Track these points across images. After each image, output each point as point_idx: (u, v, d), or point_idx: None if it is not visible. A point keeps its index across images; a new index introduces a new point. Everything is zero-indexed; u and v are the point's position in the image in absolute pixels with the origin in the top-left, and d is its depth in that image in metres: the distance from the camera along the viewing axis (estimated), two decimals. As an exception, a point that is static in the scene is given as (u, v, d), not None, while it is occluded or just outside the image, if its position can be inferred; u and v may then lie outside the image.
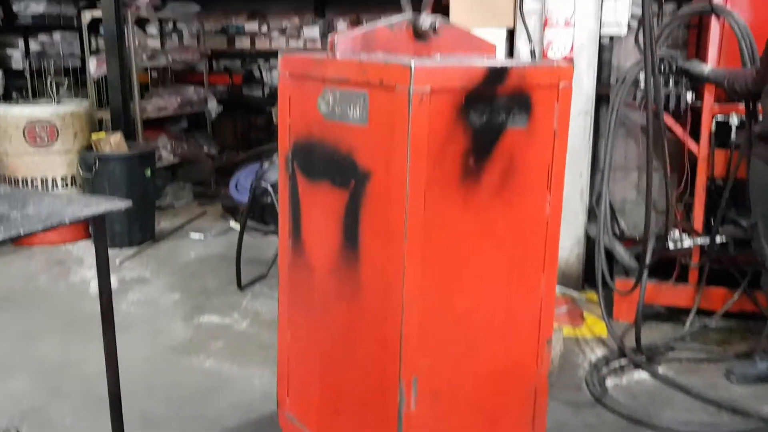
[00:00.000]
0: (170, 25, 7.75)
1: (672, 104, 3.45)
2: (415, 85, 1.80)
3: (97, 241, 2.28)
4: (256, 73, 8.43)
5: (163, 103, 6.34)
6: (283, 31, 8.00)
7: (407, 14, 2.23)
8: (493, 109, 2.00)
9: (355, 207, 2.05)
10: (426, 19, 2.18)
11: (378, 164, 1.96)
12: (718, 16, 3.40)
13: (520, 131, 2.09)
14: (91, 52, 6.30)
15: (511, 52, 4.19)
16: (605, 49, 4.11)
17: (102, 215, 2.14)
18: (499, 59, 2.33)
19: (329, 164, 2.13)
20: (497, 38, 4.11)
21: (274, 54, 7.96)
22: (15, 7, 7.42)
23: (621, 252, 3.66)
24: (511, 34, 4.18)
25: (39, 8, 7.38)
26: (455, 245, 2.03)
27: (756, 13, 3.45)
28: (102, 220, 2.18)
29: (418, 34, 2.22)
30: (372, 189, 1.99)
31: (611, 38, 4.09)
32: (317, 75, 2.11)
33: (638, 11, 3.92)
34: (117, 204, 2.19)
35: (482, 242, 2.09)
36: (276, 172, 4.09)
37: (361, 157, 2.01)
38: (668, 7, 4.14)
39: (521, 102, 2.07)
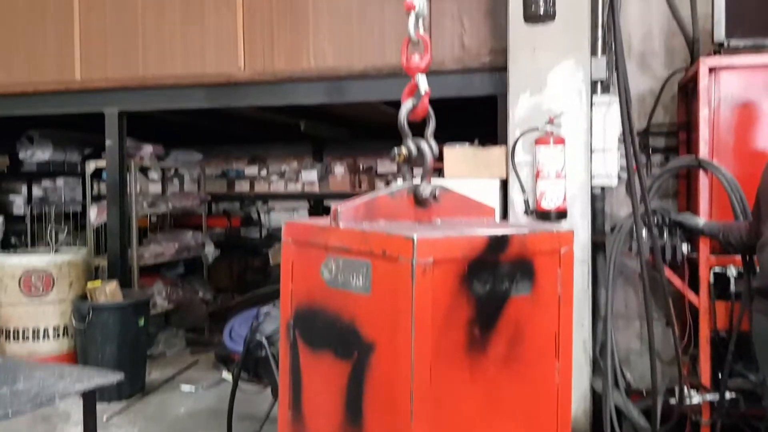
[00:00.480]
0: (172, 170, 7.97)
1: (668, 255, 3.47)
2: (418, 256, 1.80)
3: (86, 415, 2.18)
4: (254, 215, 8.58)
5: (161, 249, 6.38)
6: (281, 175, 8.24)
7: (408, 182, 2.28)
8: (496, 277, 2.00)
9: (358, 380, 1.98)
10: (426, 188, 2.23)
11: (382, 335, 1.92)
12: (705, 170, 3.51)
13: (525, 298, 2.07)
14: (93, 198, 6.41)
15: (505, 201, 4.27)
16: (597, 198, 4.20)
17: (93, 390, 2.06)
18: (500, 226, 2.35)
19: (331, 333, 2.09)
20: (491, 189, 4.23)
21: (272, 196, 8.15)
22: (21, 155, 7.63)
23: (631, 411, 3.53)
24: (504, 185, 4.29)
25: (45, 156, 7.60)
26: (463, 421, 1.95)
27: (743, 166, 3.56)
28: (93, 394, 2.10)
29: (419, 201, 2.26)
30: (376, 361, 1.93)
31: (603, 188, 4.19)
32: (320, 243, 2.12)
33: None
34: (109, 378, 2.13)
35: (491, 416, 2.01)
36: (271, 323, 4.06)
37: (364, 328, 1.97)
38: (656, 158, 4.30)
39: (524, 269, 2.06)
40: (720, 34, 3.67)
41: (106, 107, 5.49)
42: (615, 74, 3.93)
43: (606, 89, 4.20)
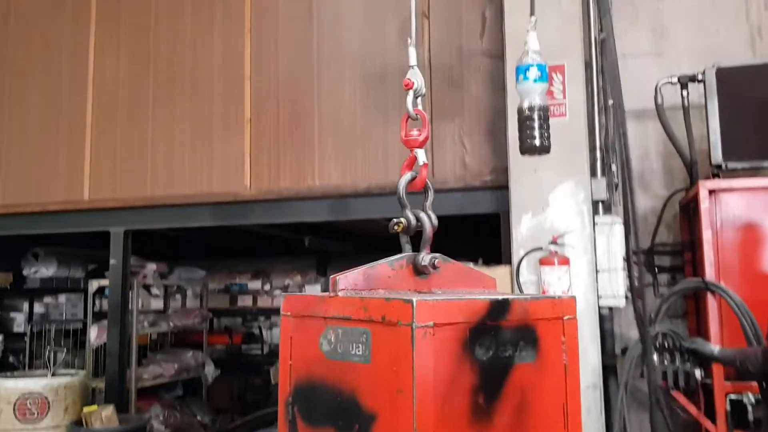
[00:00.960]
0: (175, 286, 7.94)
1: (681, 382, 3.36)
2: (418, 320, 1.77)
3: None
4: (257, 332, 8.45)
5: (160, 370, 6.24)
6: (285, 289, 8.21)
7: (407, 253, 2.26)
8: (499, 343, 1.96)
9: (359, 452, 1.89)
10: (426, 257, 2.21)
11: (383, 405, 1.84)
12: (713, 293, 3.46)
13: (530, 366, 2.01)
14: (94, 315, 6.35)
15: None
16: (606, 319, 4.13)
17: None
18: (502, 293, 2.32)
19: (332, 408, 2.00)
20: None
21: (275, 311, 8.06)
22: (25, 271, 7.65)
23: None
24: (510, 305, 4.22)
25: (49, 272, 7.61)
26: None
27: (751, 288, 3.52)
28: None
29: (419, 271, 2.23)
30: (377, 432, 1.86)
31: (611, 308, 4.14)
32: (319, 313, 2.07)
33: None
34: None
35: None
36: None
37: (365, 399, 1.90)
38: (662, 278, 4.27)
39: (527, 336, 2.02)
40: (717, 157, 3.73)
41: (112, 226, 5.54)
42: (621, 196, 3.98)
43: (608, 209, 4.23)
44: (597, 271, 4.04)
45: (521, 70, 2.76)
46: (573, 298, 2.19)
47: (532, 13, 2.85)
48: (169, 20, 5.55)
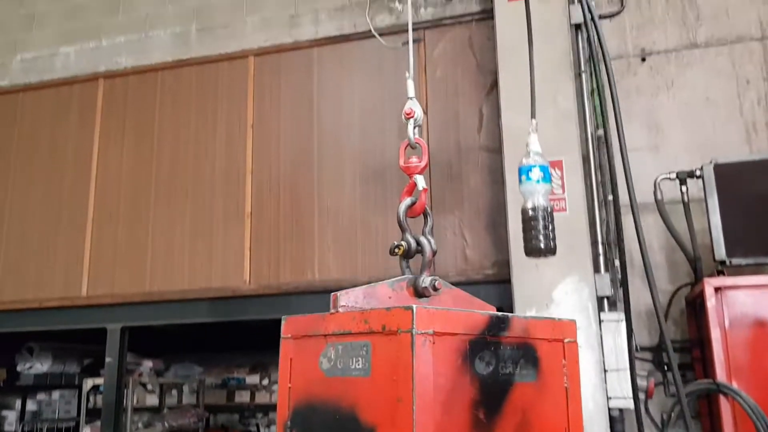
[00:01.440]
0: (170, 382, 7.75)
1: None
2: (418, 327, 1.79)
3: None
4: (254, 430, 8.18)
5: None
6: (284, 383, 7.98)
7: (407, 275, 2.30)
8: (499, 359, 1.97)
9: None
10: (426, 279, 2.24)
11: (382, 417, 1.80)
12: (725, 395, 3.35)
13: (531, 386, 2.01)
14: (88, 411, 6.16)
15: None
16: (616, 420, 3.98)
17: None
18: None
19: (330, 426, 1.95)
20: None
21: (273, 408, 7.81)
22: (19, 367, 7.48)
23: None
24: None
25: (43, 368, 7.45)
26: None
27: (764, 388, 3.40)
28: None
29: (419, 293, 2.26)
30: (377, 447, 1.78)
31: (621, 410, 3.99)
32: (320, 331, 2.08)
33: (643, 383, 3.90)
34: None
35: None
36: None
37: (365, 413, 1.86)
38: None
39: (527, 354, 2.03)
40: (720, 253, 3.70)
41: (109, 323, 5.46)
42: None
43: (613, 305, 4.16)
44: (605, 371, 3.93)
45: (523, 171, 2.76)
46: (573, 321, 2.21)
47: (533, 116, 2.89)
48: (172, 119, 5.66)
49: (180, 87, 5.71)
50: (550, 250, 2.65)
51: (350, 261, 5.06)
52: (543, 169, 2.80)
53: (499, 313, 2.09)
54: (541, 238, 2.65)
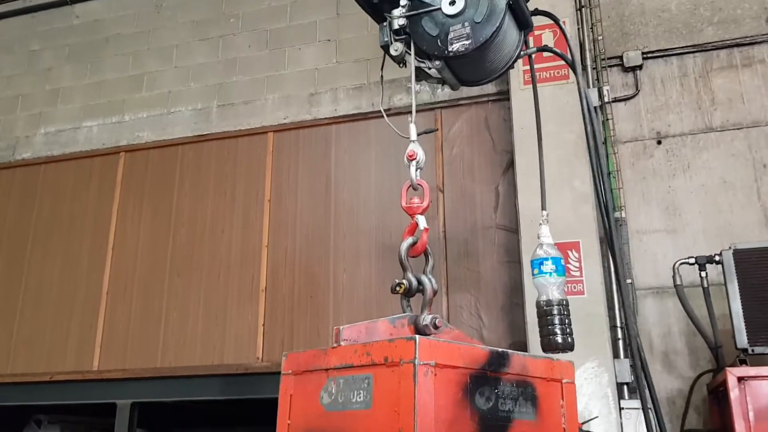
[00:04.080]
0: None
1: None
2: (421, 357, 1.79)
3: None
4: (263, 507, 7.91)
5: None
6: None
7: (408, 313, 2.33)
8: (499, 395, 1.97)
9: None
10: (427, 317, 2.27)
11: None
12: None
13: (530, 424, 2.01)
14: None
15: None
16: None
17: None
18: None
19: None
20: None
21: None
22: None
23: None
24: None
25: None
26: None
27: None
28: None
29: (419, 330, 2.26)
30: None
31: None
32: (321, 366, 2.08)
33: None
34: None
35: None
36: None
37: None
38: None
39: (526, 392, 2.03)
40: (742, 341, 3.62)
41: (119, 398, 5.39)
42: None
43: (633, 392, 4.06)
44: (626, 462, 3.81)
45: (536, 264, 2.74)
46: (571, 363, 2.28)
47: (543, 208, 2.89)
48: (191, 194, 5.73)
49: (200, 162, 5.80)
50: (569, 346, 2.61)
51: (364, 338, 5.00)
52: (556, 261, 2.76)
53: (500, 349, 2.12)
54: (558, 332, 2.61)
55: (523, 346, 4.33)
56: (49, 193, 6.16)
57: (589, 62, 4.83)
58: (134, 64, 6.33)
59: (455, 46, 2.28)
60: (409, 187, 2.56)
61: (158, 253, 5.65)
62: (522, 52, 2.58)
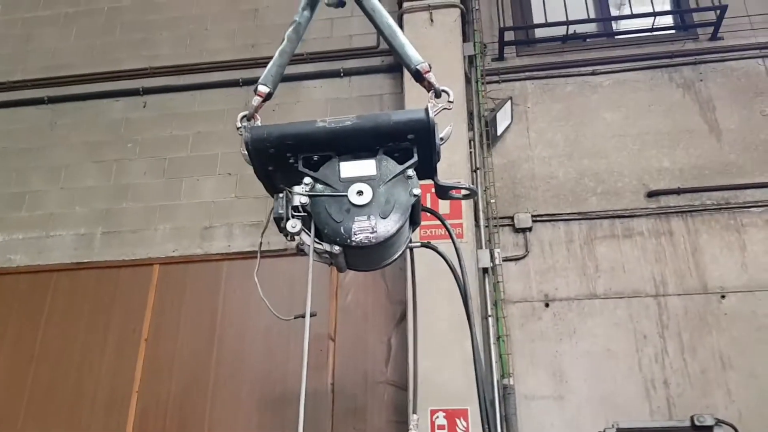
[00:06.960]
0: None
1: None
2: None
3: None
4: None
5: None
6: None
7: None
8: None
9: None
10: None
11: None
12: None
13: None
14: None
15: None
16: None
17: None
18: None
19: None
20: None
21: None
22: None
23: None
24: None
25: None
26: None
27: None
28: None
29: None
30: None
31: None
32: None
33: None
34: None
35: None
36: None
37: None
38: None
39: None
40: None
41: None
42: None
43: None
44: None
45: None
46: None
47: (413, 412, 2.79)
48: (60, 327, 5.25)
49: (75, 291, 5.38)
50: None
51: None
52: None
53: None
54: None
55: None
56: None
57: (482, 222, 4.94)
58: (17, 180, 5.95)
59: (359, 237, 2.21)
60: None
61: (14, 390, 5.07)
62: (410, 245, 2.58)
